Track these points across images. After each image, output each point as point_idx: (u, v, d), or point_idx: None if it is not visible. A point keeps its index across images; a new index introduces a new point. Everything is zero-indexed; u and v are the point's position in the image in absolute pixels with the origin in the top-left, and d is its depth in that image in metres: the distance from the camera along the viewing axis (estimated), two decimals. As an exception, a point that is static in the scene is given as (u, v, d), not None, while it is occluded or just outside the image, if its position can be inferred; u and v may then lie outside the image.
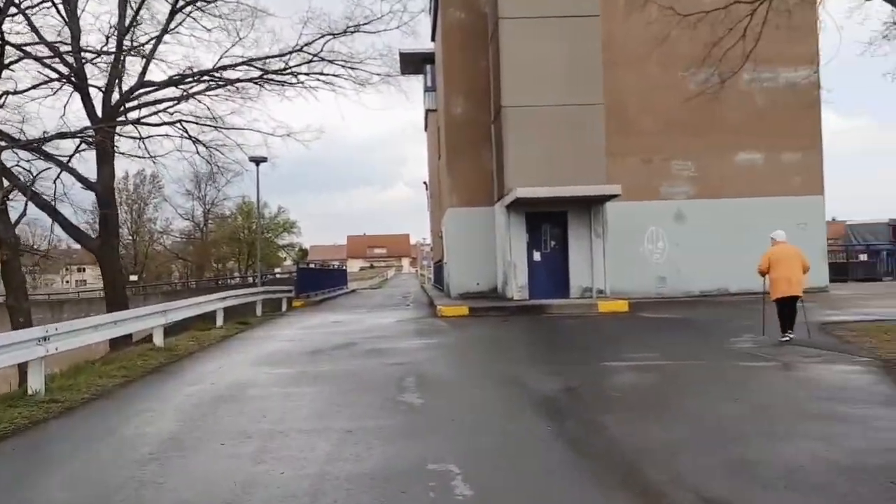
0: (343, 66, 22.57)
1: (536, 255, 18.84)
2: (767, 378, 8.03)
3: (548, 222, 18.93)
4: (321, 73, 22.71)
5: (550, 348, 11.46)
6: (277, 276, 47.22)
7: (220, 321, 16.48)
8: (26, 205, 18.22)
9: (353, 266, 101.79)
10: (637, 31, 19.29)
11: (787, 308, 10.48)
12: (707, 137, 20.60)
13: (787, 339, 10.33)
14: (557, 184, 17.81)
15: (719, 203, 20.50)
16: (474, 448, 5.62)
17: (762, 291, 11.06)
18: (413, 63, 31.68)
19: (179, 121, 21.82)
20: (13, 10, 18.38)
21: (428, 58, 30.25)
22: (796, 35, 19.82)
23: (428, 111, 32.97)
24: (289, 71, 22.65)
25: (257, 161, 24.34)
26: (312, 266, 41.40)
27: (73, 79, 19.82)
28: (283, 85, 22.81)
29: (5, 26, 18.38)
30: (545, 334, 13.20)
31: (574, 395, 7.40)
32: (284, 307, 22.92)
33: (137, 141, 21.50)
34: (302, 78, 22.72)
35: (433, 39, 28.06)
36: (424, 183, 44.48)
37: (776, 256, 10.53)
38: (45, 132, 18.79)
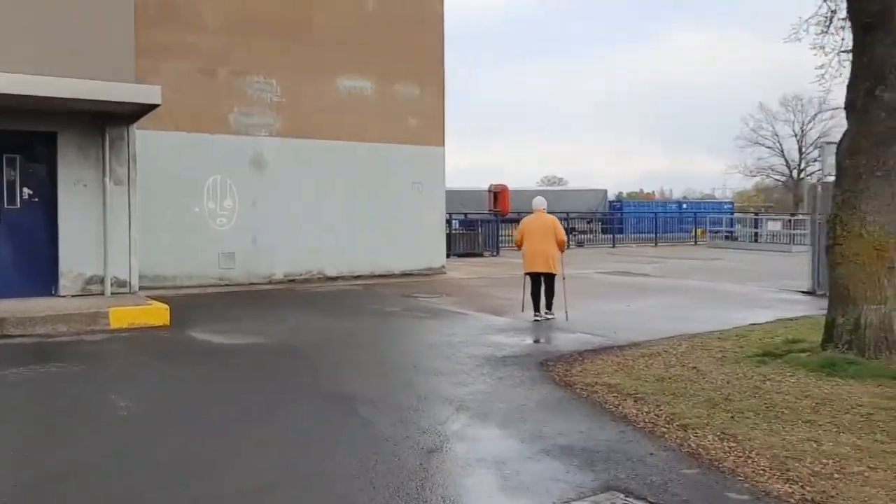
0: None
1: (-8, 214, 9.84)
2: None
3: (16, 151, 10.03)
4: None
5: None
6: None
7: None
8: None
9: None
10: None
11: (537, 286, 9.54)
12: (300, 47, 13.97)
13: (538, 319, 9.43)
14: (37, 72, 9.09)
15: (315, 146, 14.11)
16: None
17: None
18: None
19: None
20: None
21: None
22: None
23: None
24: None
25: None
26: None
27: None
28: None
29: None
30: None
31: None
32: None
33: None
34: None
35: None
36: None
37: (526, 227, 9.62)
38: None
